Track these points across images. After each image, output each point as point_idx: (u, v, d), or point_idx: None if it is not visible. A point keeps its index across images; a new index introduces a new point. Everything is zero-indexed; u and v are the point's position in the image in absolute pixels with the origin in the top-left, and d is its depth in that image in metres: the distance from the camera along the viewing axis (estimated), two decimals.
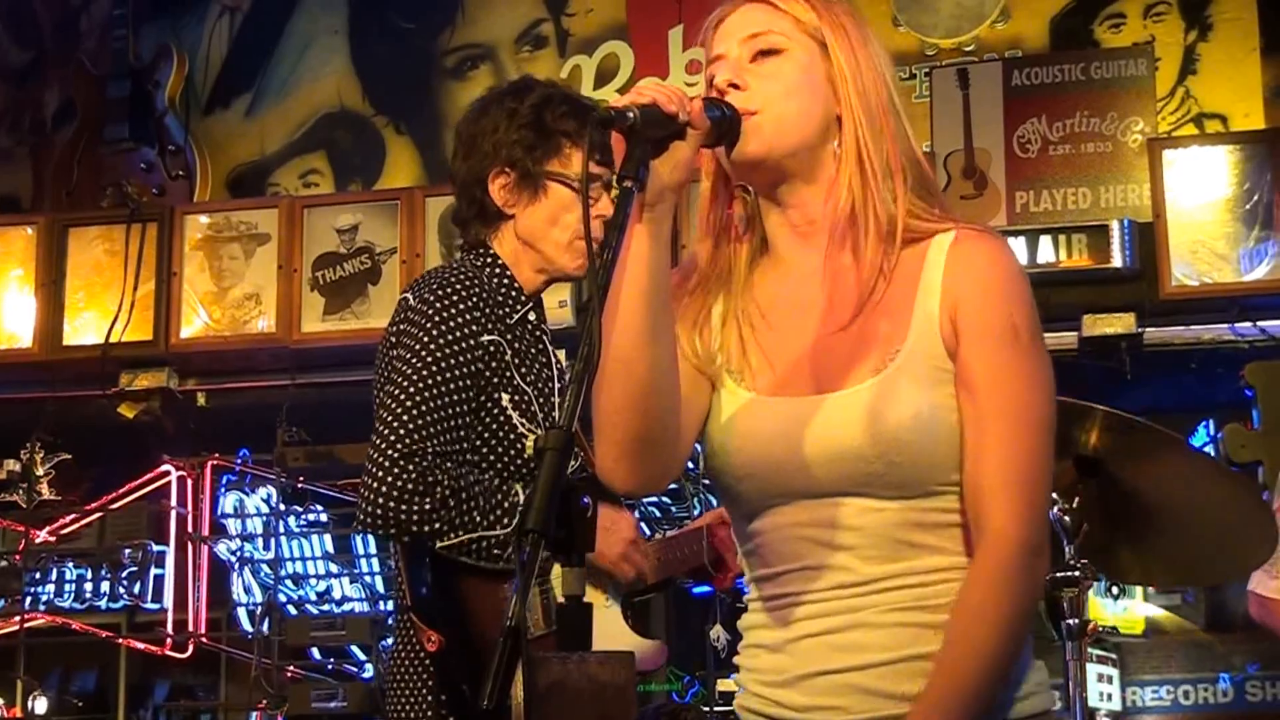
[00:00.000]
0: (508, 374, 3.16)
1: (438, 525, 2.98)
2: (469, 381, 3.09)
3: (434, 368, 3.06)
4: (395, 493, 2.97)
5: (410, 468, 2.98)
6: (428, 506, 2.97)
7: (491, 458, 3.15)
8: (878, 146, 2.15)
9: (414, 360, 3.08)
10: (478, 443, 3.15)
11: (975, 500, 2.08)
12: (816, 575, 2.13)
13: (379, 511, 2.98)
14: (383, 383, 3.16)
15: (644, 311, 2.04)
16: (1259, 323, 6.35)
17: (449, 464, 3.03)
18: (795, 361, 2.18)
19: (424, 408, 3.03)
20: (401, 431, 3.01)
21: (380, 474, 2.98)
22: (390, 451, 2.99)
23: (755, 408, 2.17)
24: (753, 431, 2.16)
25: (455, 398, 3.07)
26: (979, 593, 2.05)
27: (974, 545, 2.09)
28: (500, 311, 3.19)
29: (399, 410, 3.03)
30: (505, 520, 3.04)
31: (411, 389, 3.05)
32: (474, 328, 3.12)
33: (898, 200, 2.15)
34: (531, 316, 3.30)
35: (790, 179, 2.18)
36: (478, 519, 3.02)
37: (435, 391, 3.05)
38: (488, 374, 3.13)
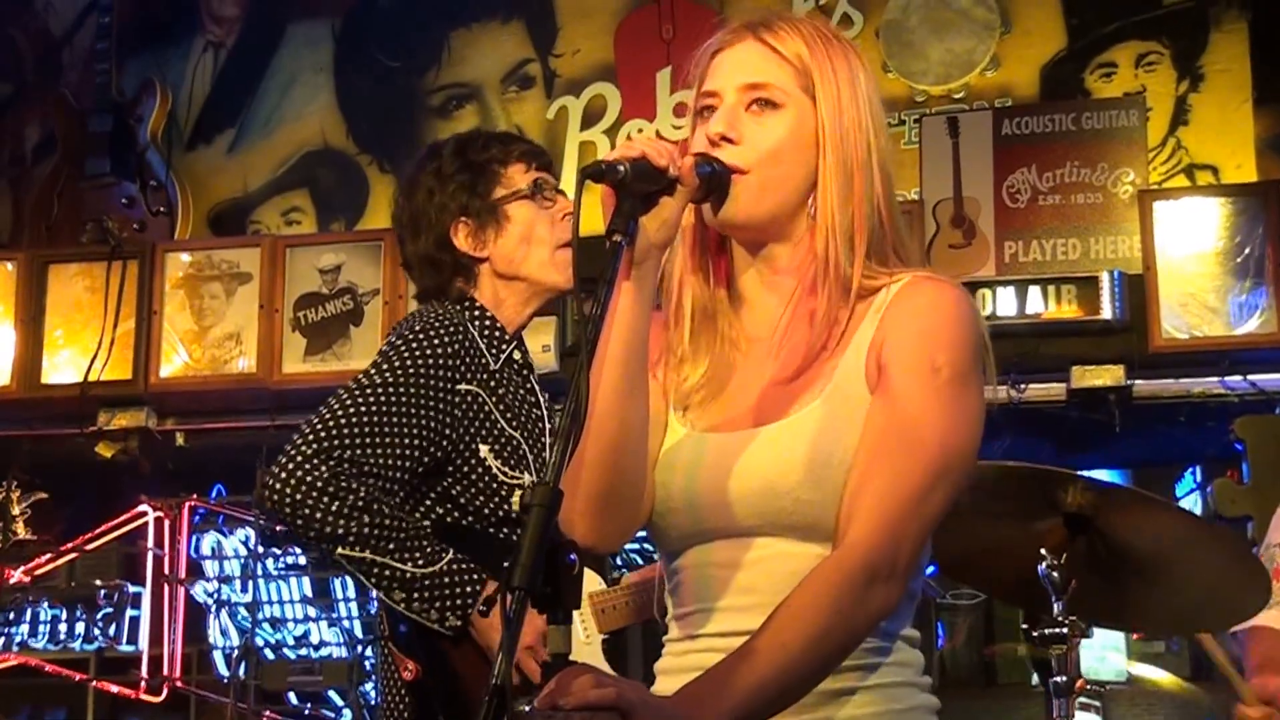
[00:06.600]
0: (488, 423, 3.15)
1: (340, 531, 2.95)
2: (423, 414, 3.07)
3: (380, 388, 3.05)
4: (304, 486, 2.95)
5: (322, 468, 2.96)
6: (334, 508, 2.94)
7: (483, 508, 3.15)
8: (844, 209, 2.14)
9: (362, 379, 3.08)
10: (461, 490, 3.14)
11: (843, 517, 2.03)
12: (722, 618, 2.10)
13: (276, 499, 2.97)
14: None
15: (620, 369, 2.05)
16: (1249, 376, 6.30)
17: (372, 481, 2.99)
18: (736, 402, 2.17)
19: (354, 416, 3.01)
20: (322, 432, 2.99)
21: (290, 465, 2.97)
22: (304, 448, 2.98)
23: (686, 443, 2.17)
24: (677, 467, 2.15)
25: (397, 422, 3.04)
26: (805, 596, 1.95)
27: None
28: (482, 361, 3.19)
29: (326, 414, 3.03)
30: (420, 562, 2.98)
31: (347, 399, 3.04)
32: (448, 374, 3.12)
33: (855, 262, 2.14)
34: (517, 355, 3.31)
35: (765, 236, 2.19)
36: (390, 547, 2.97)
37: (373, 406, 3.03)
38: (466, 423, 3.12)
